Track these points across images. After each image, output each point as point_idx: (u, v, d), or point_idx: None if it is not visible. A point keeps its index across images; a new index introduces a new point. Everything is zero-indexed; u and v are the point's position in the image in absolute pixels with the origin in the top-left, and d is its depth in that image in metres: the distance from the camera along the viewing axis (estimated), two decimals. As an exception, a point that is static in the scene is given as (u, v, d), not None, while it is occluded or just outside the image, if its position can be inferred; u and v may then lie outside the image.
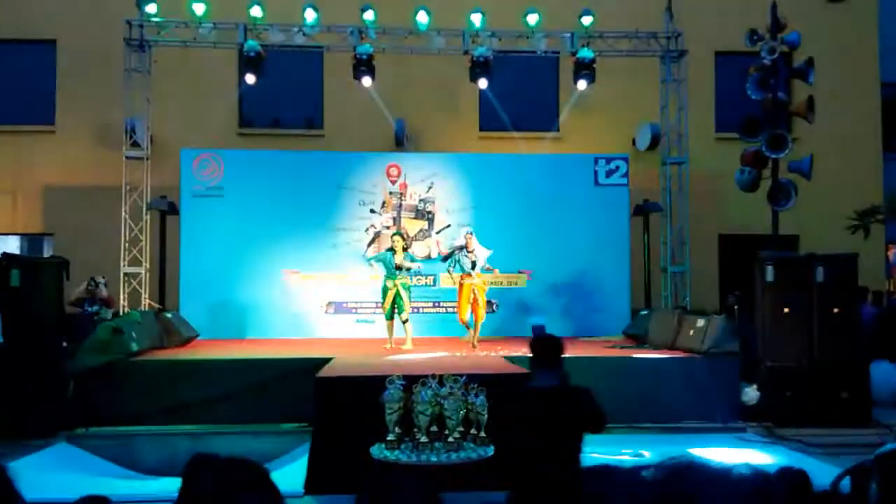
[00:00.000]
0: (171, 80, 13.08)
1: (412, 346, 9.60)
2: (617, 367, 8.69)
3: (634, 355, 9.27)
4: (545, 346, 4.17)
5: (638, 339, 10.60)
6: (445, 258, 10.05)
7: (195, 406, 8.00)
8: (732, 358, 8.60)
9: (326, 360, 8.18)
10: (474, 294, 9.68)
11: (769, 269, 8.51)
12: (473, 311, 9.69)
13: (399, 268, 9.58)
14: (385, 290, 9.69)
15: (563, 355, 4.14)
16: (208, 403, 8.04)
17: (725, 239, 14.30)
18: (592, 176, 12.40)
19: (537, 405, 3.97)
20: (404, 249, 9.78)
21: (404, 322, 9.68)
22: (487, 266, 9.83)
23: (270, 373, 8.35)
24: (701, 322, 9.15)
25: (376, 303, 11.69)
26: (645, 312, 11.32)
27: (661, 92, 12.80)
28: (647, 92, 13.36)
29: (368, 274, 10.81)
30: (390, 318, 9.75)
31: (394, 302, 9.59)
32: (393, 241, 9.79)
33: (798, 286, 8.42)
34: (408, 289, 9.77)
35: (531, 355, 4.18)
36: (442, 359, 8.73)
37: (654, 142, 13.40)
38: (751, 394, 8.46)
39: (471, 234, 9.84)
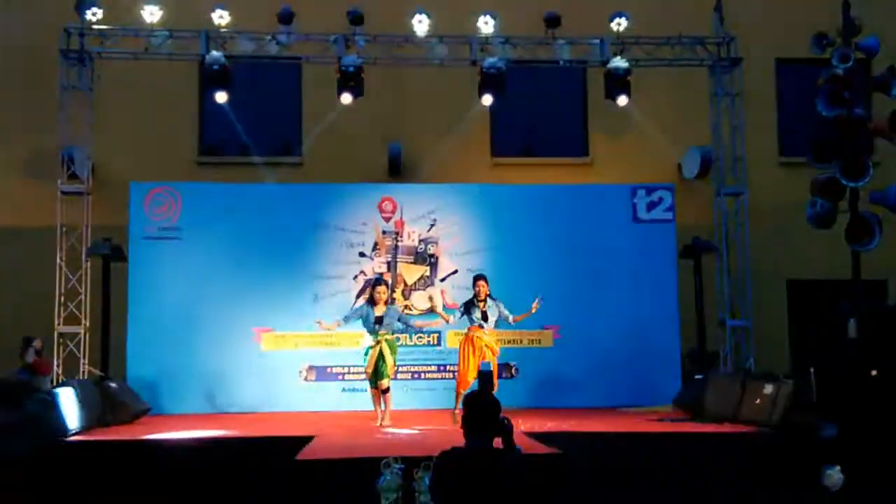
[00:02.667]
0: (118, 100, 13.25)
1: (390, 422, 9.59)
2: (666, 446, 8.60)
3: (687, 430, 9.18)
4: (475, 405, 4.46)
5: (692, 409, 10.51)
6: (466, 313, 9.98)
7: (146, 499, 7.91)
8: (810, 432, 8.51)
9: (307, 440, 8.15)
10: (483, 352, 9.70)
11: (851, 323, 8.47)
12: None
13: (379, 322, 9.61)
14: (367, 351, 9.73)
15: (496, 417, 4.40)
16: (163, 495, 7.94)
17: (796, 286, 14.28)
18: (631, 210, 12.46)
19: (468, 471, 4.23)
20: (390, 301, 9.88)
21: (384, 391, 9.66)
22: (512, 316, 9.85)
23: (238, 456, 8.26)
24: (769, 388, 9.10)
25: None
26: (699, 377, 11.24)
27: (712, 108, 12.91)
28: (694, 109, 13.46)
29: (357, 332, 10.83)
30: (374, 385, 9.76)
31: (376, 365, 9.60)
32: (376, 292, 9.80)
33: (889, 343, 8.37)
34: (394, 349, 9.79)
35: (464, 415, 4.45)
36: (447, 436, 8.65)
37: (705, 168, 13.47)
38: (834, 477, 8.35)
39: (482, 279, 9.91)
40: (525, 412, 10.74)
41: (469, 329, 9.84)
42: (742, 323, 12.36)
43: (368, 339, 9.83)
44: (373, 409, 9.96)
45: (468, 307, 9.95)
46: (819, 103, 10.49)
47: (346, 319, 10.03)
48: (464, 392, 9.67)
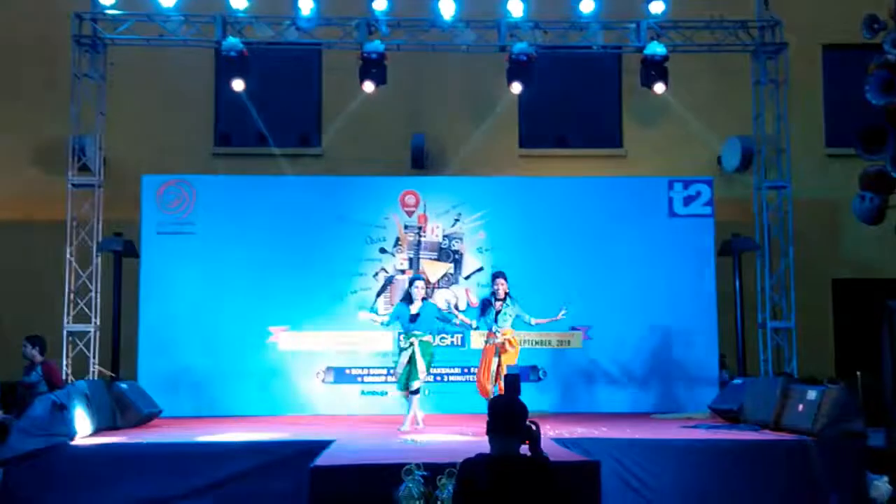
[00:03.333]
0: (131, 88, 13.35)
1: (414, 427, 9.59)
2: (702, 454, 8.53)
3: (726, 437, 9.12)
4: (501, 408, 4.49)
5: (730, 415, 10.44)
6: (483, 314, 9.99)
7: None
8: (856, 441, 8.42)
9: (325, 444, 8.13)
10: (497, 358, 9.72)
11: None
12: (497, 381, 9.69)
13: (414, 321, 9.67)
14: (399, 351, 9.74)
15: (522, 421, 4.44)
16: (173, 500, 7.99)
17: (841, 285, 14.15)
18: (667, 204, 12.38)
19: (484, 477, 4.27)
20: (424, 299, 9.91)
21: (413, 392, 9.69)
22: (532, 319, 9.87)
23: (252, 461, 8.27)
24: (813, 394, 9.00)
25: (388, 369, 11.75)
26: (738, 381, 11.15)
27: (754, 97, 12.79)
28: (735, 97, 13.37)
29: (378, 330, 10.88)
30: (404, 387, 9.79)
31: (408, 366, 9.66)
32: (414, 288, 9.87)
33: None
34: (429, 351, 9.79)
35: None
36: (472, 442, 8.64)
37: (746, 161, 13.37)
38: (882, 488, 8.29)
39: (502, 277, 9.90)
40: (553, 417, 10.72)
41: (487, 337, 9.86)
42: (784, 325, 12.25)
43: (400, 339, 9.89)
44: (399, 412, 10.02)
45: (485, 306, 9.94)
46: (868, 91, 10.36)
47: (387, 324, 10.12)
48: (485, 395, 9.70)
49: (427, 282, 12.01)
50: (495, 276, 10.03)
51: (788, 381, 10.06)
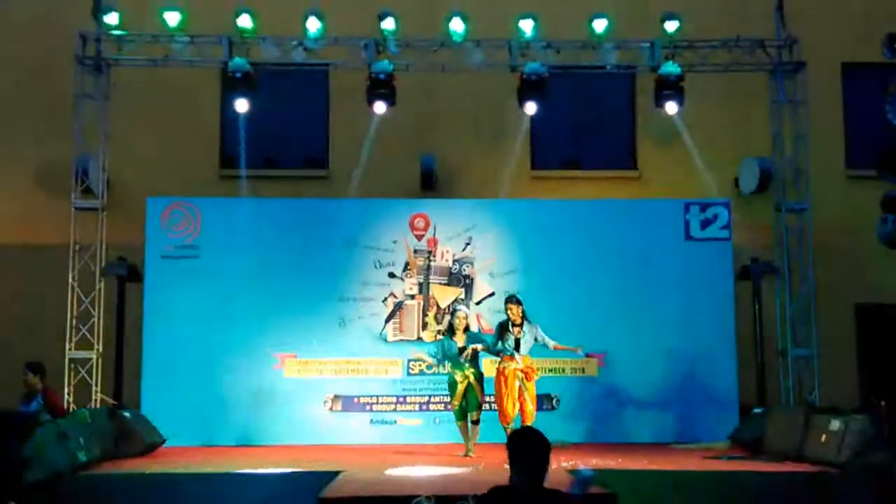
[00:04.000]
0: (136, 110, 13.41)
1: (472, 455, 9.80)
2: (722, 486, 8.48)
3: (747, 469, 9.06)
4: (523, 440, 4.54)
5: (751, 446, 10.39)
6: (500, 338, 10.02)
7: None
8: (882, 472, 8.34)
9: (333, 475, 8.12)
10: (520, 383, 9.74)
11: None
12: (520, 407, 9.73)
13: (462, 352, 9.86)
14: (454, 385, 9.94)
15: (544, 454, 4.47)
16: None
17: (865, 310, 14.06)
18: (683, 227, 12.35)
19: None
20: (466, 329, 10.05)
21: (474, 423, 9.92)
22: (553, 343, 9.94)
23: (258, 492, 8.28)
24: (836, 424, 8.95)
25: (397, 397, 11.75)
26: (759, 411, 11.11)
27: (773, 117, 12.80)
28: (753, 117, 13.37)
29: (388, 357, 10.88)
30: (462, 417, 9.99)
31: (465, 397, 9.87)
32: (455, 319, 10.06)
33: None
34: (480, 380, 9.97)
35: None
36: (485, 472, 8.61)
37: (765, 182, 13.35)
38: (908, 523, 8.19)
39: (513, 302, 9.94)
40: (567, 447, 10.64)
41: (501, 361, 9.86)
42: (806, 352, 12.19)
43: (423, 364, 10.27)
44: (404, 442, 10.01)
45: (502, 331, 9.93)
46: (889, 111, 10.36)
47: (440, 362, 10.28)
48: (508, 426, 9.71)
49: (433, 306, 12.04)
50: (507, 301, 10.06)
51: (811, 410, 10.02)
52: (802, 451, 9.34)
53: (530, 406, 9.77)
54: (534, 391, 9.91)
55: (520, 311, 9.90)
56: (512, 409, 9.72)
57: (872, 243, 10.99)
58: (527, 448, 4.41)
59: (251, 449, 11.10)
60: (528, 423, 9.61)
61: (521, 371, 9.80)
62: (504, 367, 9.82)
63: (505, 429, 9.69)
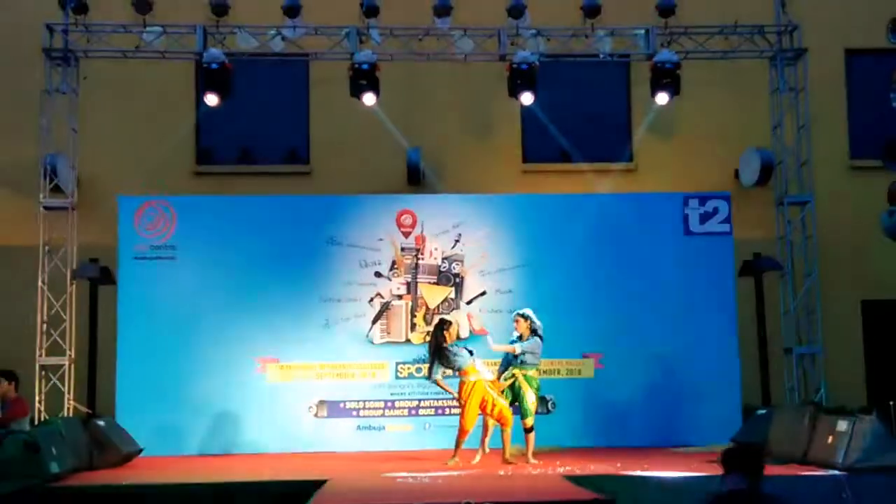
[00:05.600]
0: (106, 104, 13.39)
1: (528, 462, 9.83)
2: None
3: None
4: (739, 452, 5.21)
5: (754, 449, 10.41)
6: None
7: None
8: (891, 475, 8.41)
9: (318, 484, 8.12)
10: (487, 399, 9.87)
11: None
12: (492, 414, 9.87)
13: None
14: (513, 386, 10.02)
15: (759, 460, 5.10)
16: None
17: (872, 307, 14.16)
18: (681, 221, 12.39)
19: None
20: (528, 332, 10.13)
21: (528, 430, 9.97)
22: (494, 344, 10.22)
23: (240, 502, 8.26)
24: (843, 425, 8.98)
25: (385, 402, 11.80)
26: (762, 412, 11.14)
27: (773, 106, 12.87)
28: (753, 107, 13.43)
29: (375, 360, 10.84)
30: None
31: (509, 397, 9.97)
32: (514, 323, 10.17)
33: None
34: (535, 385, 10.13)
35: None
36: (479, 479, 8.64)
37: (766, 174, 13.39)
38: (919, 526, 8.26)
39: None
40: (564, 452, 10.73)
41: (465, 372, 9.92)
42: (810, 350, 12.26)
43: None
44: (393, 449, 9.99)
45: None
46: (894, 98, 10.43)
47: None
48: (463, 441, 9.87)
49: (422, 306, 12.06)
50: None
51: (816, 411, 10.05)
52: (808, 453, 9.37)
53: (506, 410, 9.86)
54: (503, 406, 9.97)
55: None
56: (469, 425, 9.86)
57: (878, 237, 11.08)
58: (746, 459, 5.03)
59: (232, 458, 11.09)
60: (508, 428, 9.87)
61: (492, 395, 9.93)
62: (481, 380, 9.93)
63: (458, 440, 9.89)
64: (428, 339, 10.76)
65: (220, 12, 11.94)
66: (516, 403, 9.96)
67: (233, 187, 13.62)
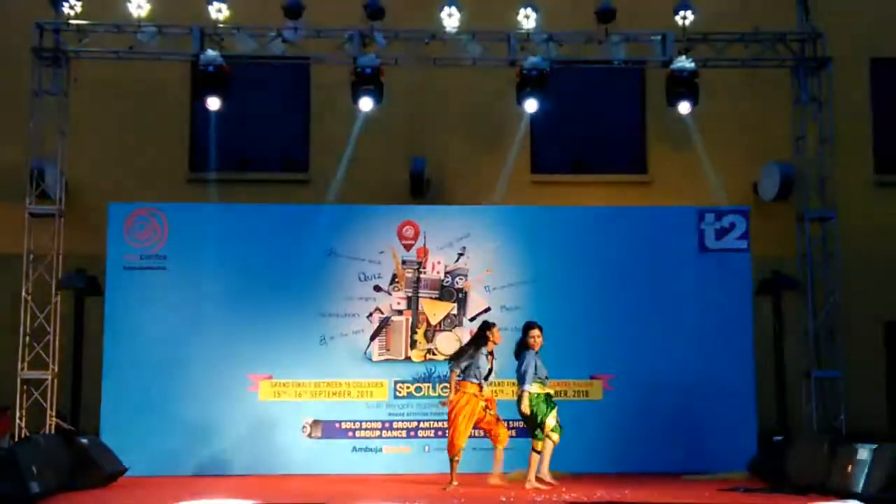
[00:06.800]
0: (97, 107, 13.43)
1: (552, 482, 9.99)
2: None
3: (765, 503, 9.05)
4: None
5: (770, 477, 10.37)
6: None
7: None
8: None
9: (310, 509, 8.09)
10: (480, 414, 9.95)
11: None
12: (489, 432, 9.99)
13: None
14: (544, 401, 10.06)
15: None
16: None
17: (895, 328, 14.07)
18: (697, 237, 12.35)
19: None
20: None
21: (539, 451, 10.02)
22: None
23: (228, 527, 8.24)
24: (864, 453, 8.92)
25: (383, 423, 11.76)
26: (780, 439, 11.08)
27: (795, 117, 12.82)
28: (774, 118, 13.42)
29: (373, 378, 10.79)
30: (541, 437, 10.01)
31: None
32: (529, 337, 10.12)
33: None
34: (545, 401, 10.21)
35: None
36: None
37: (786, 189, 13.39)
38: (944, 562, 8.16)
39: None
40: (570, 478, 10.67)
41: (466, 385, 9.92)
42: (831, 374, 12.19)
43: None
44: (390, 472, 9.98)
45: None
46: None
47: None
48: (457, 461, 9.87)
49: (423, 322, 12.04)
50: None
51: (837, 437, 10.00)
52: (827, 482, 9.31)
53: (501, 429, 10.00)
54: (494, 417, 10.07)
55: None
56: (461, 441, 9.87)
57: (904, 255, 11.02)
58: None
59: (222, 480, 11.02)
60: (502, 447, 10.01)
61: (485, 408, 9.99)
62: (471, 394, 9.93)
63: (452, 459, 9.87)
64: (429, 356, 10.90)
65: (294, 15, 11.92)
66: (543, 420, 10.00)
67: (228, 195, 13.61)
